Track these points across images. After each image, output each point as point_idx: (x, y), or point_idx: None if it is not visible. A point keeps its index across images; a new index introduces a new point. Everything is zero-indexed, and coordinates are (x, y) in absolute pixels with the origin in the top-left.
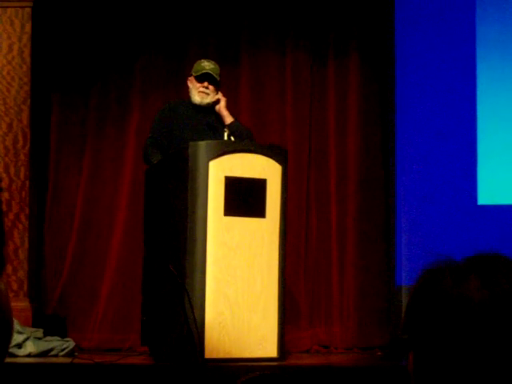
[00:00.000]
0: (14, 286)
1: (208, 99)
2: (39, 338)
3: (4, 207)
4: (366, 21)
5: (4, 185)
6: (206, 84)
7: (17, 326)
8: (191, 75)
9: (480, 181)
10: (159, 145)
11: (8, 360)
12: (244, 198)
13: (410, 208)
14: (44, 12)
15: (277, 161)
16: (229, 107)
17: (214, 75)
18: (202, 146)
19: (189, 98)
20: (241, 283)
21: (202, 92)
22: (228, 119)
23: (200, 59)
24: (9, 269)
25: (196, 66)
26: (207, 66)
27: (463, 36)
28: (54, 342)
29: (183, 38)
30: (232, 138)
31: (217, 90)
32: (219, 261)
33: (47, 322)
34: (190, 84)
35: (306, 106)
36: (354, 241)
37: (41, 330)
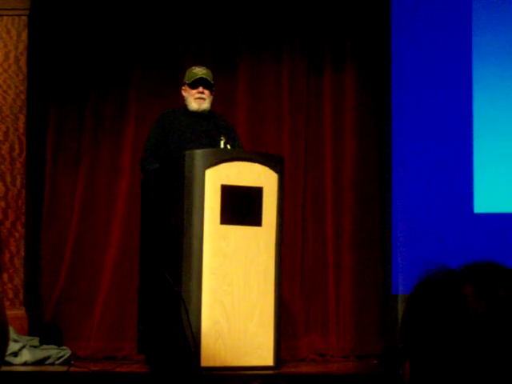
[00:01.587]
0: (10, 295)
1: (205, 105)
2: (35, 347)
3: (0, 216)
4: (361, 30)
5: (0, 193)
6: (200, 89)
7: (13, 334)
8: (184, 84)
9: (476, 189)
10: (156, 156)
11: (4, 368)
12: (240, 206)
13: (407, 216)
14: (40, 20)
15: (273, 169)
16: (226, 116)
17: (208, 79)
18: (199, 154)
19: (185, 106)
20: (237, 291)
21: (199, 98)
22: None
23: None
24: (5, 277)
25: (188, 74)
26: (199, 71)
27: (459, 44)
28: (50, 351)
29: (179, 46)
30: (228, 146)
31: (212, 94)
32: (215, 269)
33: (43, 330)
34: (184, 93)
35: (303, 114)
36: (350, 249)
37: (37, 339)
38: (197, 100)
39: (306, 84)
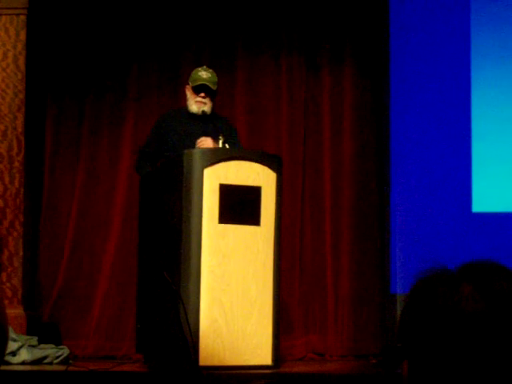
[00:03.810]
0: (9, 294)
1: (205, 107)
2: (33, 346)
3: None
4: (360, 27)
5: None
6: (202, 95)
7: (11, 333)
8: (189, 84)
9: (475, 188)
10: (150, 158)
11: (2, 368)
12: (239, 205)
13: (405, 216)
14: (39, 19)
15: (271, 168)
16: (225, 114)
17: (211, 86)
18: (197, 153)
19: (186, 105)
20: (235, 291)
21: (199, 102)
22: None
23: (197, 67)
24: (3, 276)
25: (193, 75)
26: (204, 75)
27: (458, 42)
28: (49, 350)
29: (178, 45)
30: (227, 146)
31: (214, 99)
32: (214, 268)
33: (42, 329)
34: (187, 92)
35: (301, 113)
36: (348, 248)
37: (35, 338)
38: (197, 103)
39: (304, 83)
